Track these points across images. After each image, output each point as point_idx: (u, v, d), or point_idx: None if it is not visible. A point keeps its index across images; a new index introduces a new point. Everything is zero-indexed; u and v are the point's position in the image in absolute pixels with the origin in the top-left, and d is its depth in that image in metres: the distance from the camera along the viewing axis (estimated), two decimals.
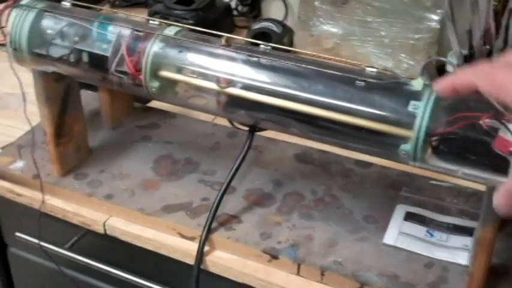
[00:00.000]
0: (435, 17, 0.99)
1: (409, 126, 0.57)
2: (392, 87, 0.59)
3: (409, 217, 0.70)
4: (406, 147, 0.57)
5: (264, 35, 1.12)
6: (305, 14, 1.15)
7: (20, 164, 0.79)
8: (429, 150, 0.58)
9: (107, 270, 0.81)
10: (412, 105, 0.56)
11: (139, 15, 1.20)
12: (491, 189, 0.52)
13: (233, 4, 1.25)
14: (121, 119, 0.88)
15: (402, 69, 1.04)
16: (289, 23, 1.19)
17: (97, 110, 0.89)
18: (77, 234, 0.83)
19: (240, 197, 0.75)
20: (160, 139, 0.86)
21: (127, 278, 0.80)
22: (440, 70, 0.98)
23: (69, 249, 0.84)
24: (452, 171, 0.58)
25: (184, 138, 0.86)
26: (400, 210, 0.71)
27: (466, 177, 0.57)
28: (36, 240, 0.85)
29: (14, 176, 0.78)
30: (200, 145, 0.85)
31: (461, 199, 0.73)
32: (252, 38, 1.11)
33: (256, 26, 1.14)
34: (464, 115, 0.55)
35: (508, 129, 0.52)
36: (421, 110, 0.56)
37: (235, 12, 1.26)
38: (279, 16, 1.21)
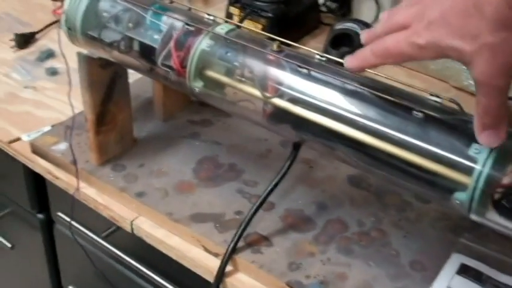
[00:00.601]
0: None
1: (467, 172, 0.48)
2: (454, 124, 0.50)
3: (464, 270, 0.61)
4: (461, 196, 0.48)
5: (346, 37, 1.03)
6: None
7: (62, 146, 0.77)
8: (489, 203, 0.49)
9: (133, 265, 0.79)
10: (474, 149, 0.48)
11: (219, 4, 1.18)
12: None
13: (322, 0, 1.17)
14: (174, 111, 0.84)
15: None
16: None
17: (153, 99, 0.85)
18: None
19: (277, 216, 0.69)
20: (209, 138, 0.81)
21: (152, 277, 0.78)
22: None
23: (104, 238, 0.82)
24: None
25: (235, 140, 0.80)
26: (454, 261, 0.62)
27: None
28: (74, 223, 0.84)
29: (54, 158, 0.76)
30: (249, 151, 0.79)
31: None
32: (333, 38, 1.03)
33: (339, 26, 1.06)
34: None
35: None
36: (483, 156, 0.47)
37: (323, 9, 1.18)
38: (370, 16, 1.12)
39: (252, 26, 1.06)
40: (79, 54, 0.67)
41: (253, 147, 0.80)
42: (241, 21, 1.06)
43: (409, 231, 0.67)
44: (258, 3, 1.06)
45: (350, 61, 0.52)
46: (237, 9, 1.08)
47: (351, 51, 0.99)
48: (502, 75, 0.43)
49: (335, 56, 1.00)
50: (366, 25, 1.04)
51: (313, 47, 1.08)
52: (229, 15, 1.09)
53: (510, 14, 0.41)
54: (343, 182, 0.74)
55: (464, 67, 0.95)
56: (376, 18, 1.12)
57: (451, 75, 0.97)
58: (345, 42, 1.02)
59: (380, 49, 0.48)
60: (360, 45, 1.00)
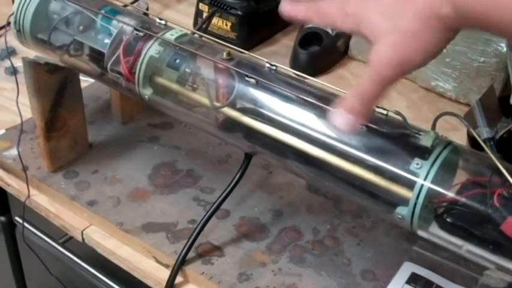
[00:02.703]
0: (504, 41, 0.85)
1: (409, 186, 0.47)
2: (398, 137, 0.49)
3: (414, 280, 0.60)
4: (402, 210, 0.47)
5: (316, 36, 1.02)
6: None
7: (15, 151, 0.74)
8: (432, 218, 0.48)
9: (91, 272, 0.78)
10: (415, 163, 0.46)
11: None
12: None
13: None
14: (134, 113, 0.82)
15: (462, 94, 0.92)
16: None
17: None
18: None
19: (231, 224, 0.67)
20: (168, 142, 0.79)
21: (109, 285, 0.77)
22: (504, 100, 0.85)
23: (62, 244, 0.81)
24: (455, 246, 0.48)
25: (194, 145, 0.79)
26: (405, 269, 0.61)
27: (470, 256, 0.47)
28: (32, 228, 0.82)
29: (5, 164, 0.74)
30: (209, 156, 0.77)
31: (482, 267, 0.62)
32: (302, 37, 1.01)
33: (309, 24, 1.04)
34: (475, 182, 0.45)
35: None
36: (424, 170, 0.46)
37: None
38: None
39: (221, 24, 1.04)
40: (24, 60, 0.65)
41: (213, 152, 0.78)
42: (208, 18, 1.04)
43: (362, 239, 0.66)
44: (227, 0, 1.04)
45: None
46: (206, 6, 1.06)
47: (320, 51, 0.99)
48: (394, 66, 0.42)
49: (304, 56, 1.00)
50: None
51: (285, 45, 1.08)
52: (199, 12, 1.07)
53: (437, 11, 0.40)
54: (302, 188, 0.73)
55: (431, 68, 0.94)
56: None
57: (419, 76, 0.95)
58: (315, 42, 1.01)
59: (313, 7, 0.48)
60: (330, 43, 0.99)
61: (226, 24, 1.04)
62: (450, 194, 0.46)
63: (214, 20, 1.04)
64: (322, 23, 0.49)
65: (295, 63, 0.98)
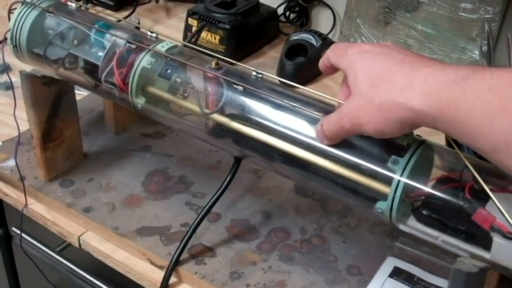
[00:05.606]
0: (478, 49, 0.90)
1: (387, 182, 0.50)
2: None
3: (396, 273, 0.63)
4: (381, 205, 0.51)
5: (301, 47, 1.06)
6: (348, 29, 1.08)
7: (12, 162, 0.77)
8: (409, 211, 0.51)
9: (87, 279, 0.80)
10: (392, 160, 0.50)
11: (181, 14, 1.19)
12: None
13: (281, 10, 1.19)
14: (127, 124, 0.85)
15: None
16: (336, 35, 1.13)
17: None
18: None
19: (222, 227, 0.70)
20: (160, 151, 0.82)
21: None
22: None
23: (59, 252, 0.83)
24: (431, 237, 0.51)
25: (186, 152, 0.82)
26: (389, 264, 0.64)
27: (446, 246, 0.50)
28: (28, 238, 0.85)
29: (2, 175, 0.77)
30: (200, 162, 0.80)
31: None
32: (289, 48, 1.05)
33: (294, 37, 1.08)
34: (448, 177, 0.49)
35: (494, 202, 0.45)
36: (400, 167, 0.50)
37: (282, 19, 1.20)
38: (327, 27, 1.15)
39: (210, 38, 1.08)
40: (21, 73, 0.69)
41: (204, 158, 0.81)
42: (197, 33, 1.07)
43: (347, 237, 0.69)
44: (215, 14, 1.08)
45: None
46: (195, 21, 1.10)
47: (306, 62, 1.03)
48: (352, 123, 0.49)
49: (290, 67, 1.04)
50: (320, 36, 1.07)
51: (272, 57, 1.11)
52: (188, 27, 1.11)
53: (408, 103, 0.45)
54: (290, 191, 0.76)
55: None
56: (333, 28, 1.15)
57: None
58: (301, 53, 1.05)
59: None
60: (314, 53, 1.03)
61: (215, 38, 1.08)
62: (425, 189, 0.49)
63: (203, 34, 1.08)
64: (331, 60, 0.53)
65: (282, 74, 1.02)
